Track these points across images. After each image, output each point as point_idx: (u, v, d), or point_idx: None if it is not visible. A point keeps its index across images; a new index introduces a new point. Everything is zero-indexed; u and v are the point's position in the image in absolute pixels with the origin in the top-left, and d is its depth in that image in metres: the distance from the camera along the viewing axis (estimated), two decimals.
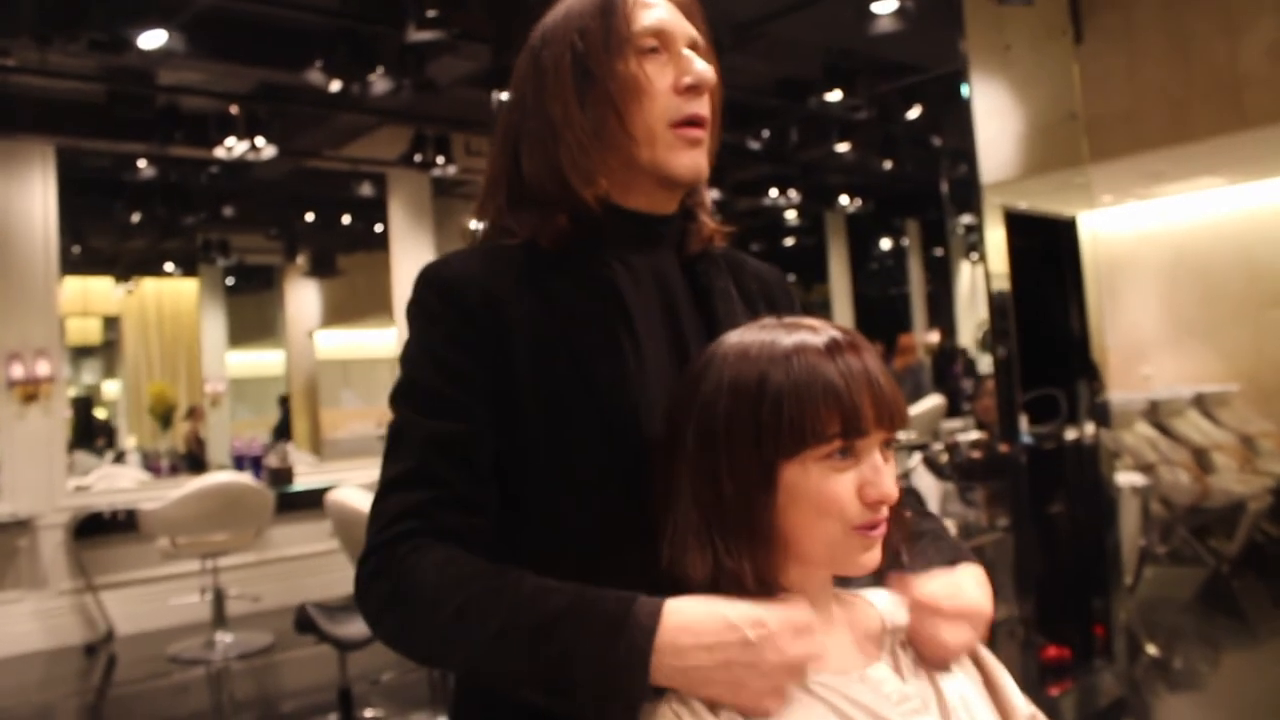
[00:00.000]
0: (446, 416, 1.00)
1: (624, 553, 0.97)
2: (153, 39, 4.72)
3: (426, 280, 1.06)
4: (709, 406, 0.93)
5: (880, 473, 0.92)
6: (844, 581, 1.03)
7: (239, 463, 6.65)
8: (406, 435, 1.02)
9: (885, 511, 0.93)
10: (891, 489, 0.92)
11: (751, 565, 0.91)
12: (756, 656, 0.86)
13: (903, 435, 6.10)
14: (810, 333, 0.94)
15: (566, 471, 1.01)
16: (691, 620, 0.88)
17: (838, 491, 0.90)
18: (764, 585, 0.92)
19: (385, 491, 1.01)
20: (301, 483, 6.56)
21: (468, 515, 0.99)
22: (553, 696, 0.90)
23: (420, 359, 1.04)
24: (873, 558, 0.94)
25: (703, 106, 1.07)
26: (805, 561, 0.94)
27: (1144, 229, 8.13)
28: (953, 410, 7.79)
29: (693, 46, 1.09)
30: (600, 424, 1.01)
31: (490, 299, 1.03)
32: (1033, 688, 3.44)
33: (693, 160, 1.07)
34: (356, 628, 3.55)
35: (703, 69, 1.07)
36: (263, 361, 8.90)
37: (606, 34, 1.05)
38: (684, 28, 1.09)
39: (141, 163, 6.59)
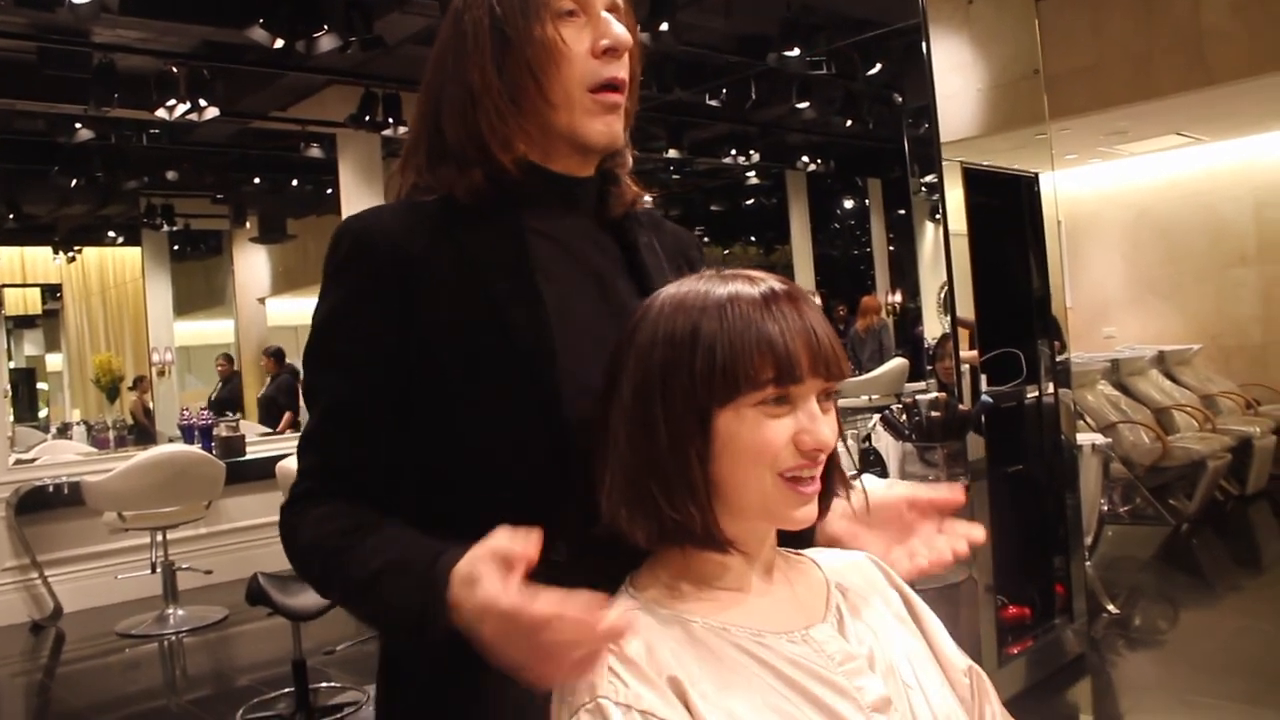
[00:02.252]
0: (347, 378, 1.04)
1: (549, 497, 0.99)
2: None
3: (338, 236, 1.07)
4: (644, 357, 0.93)
5: (817, 420, 0.92)
6: (796, 542, 1.05)
7: (188, 433, 6.52)
8: (312, 396, 1.06)
9: (821, 460, 0.93)
10: (829, 437, 0.92)
11: (697, 515, 0.91)
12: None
13: (865, 397, 6.10)
14: (746, 283, 0.94)
15: (487, 417, 1.02)
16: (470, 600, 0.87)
17: (771, 437, 0.90)
18: (710, 537, 0.92)
19: (298, 450, 1.07)
20: (253, 452, 6.44)
21: (357, 475, 1.03)
22: (394, 636, 1.05)
23: (327, 318, 1.06)
24: (809, 512, 0.94)
25: (621, 69, 1.08)
26: (741, 513, 0.93)
27: (1106, 187, 8.14)
28: (916, 372, 7.78)
29: (611, 9, 1.09)
30: (517, 368, 1.02)
31: (402, 252, 1.03)
32: (993, 646, 3.43)
33: (608, 126, 1.08)
34: (309, 598, 3.48)
35: (620, 32, 1.07)
36: (212, 330, 8.77)
37: None
38: None
39: (78, 125, 6.37)
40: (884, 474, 3.56)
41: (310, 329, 1.07)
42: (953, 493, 1.10)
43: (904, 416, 3.50)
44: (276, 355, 8.29)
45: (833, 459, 0.97)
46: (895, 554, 1.09)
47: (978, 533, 1.08)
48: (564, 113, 1.07)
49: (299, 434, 1.11)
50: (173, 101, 5.78)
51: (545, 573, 0.94)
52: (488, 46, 1.06)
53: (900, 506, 1.10)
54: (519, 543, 0.85)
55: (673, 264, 1.18)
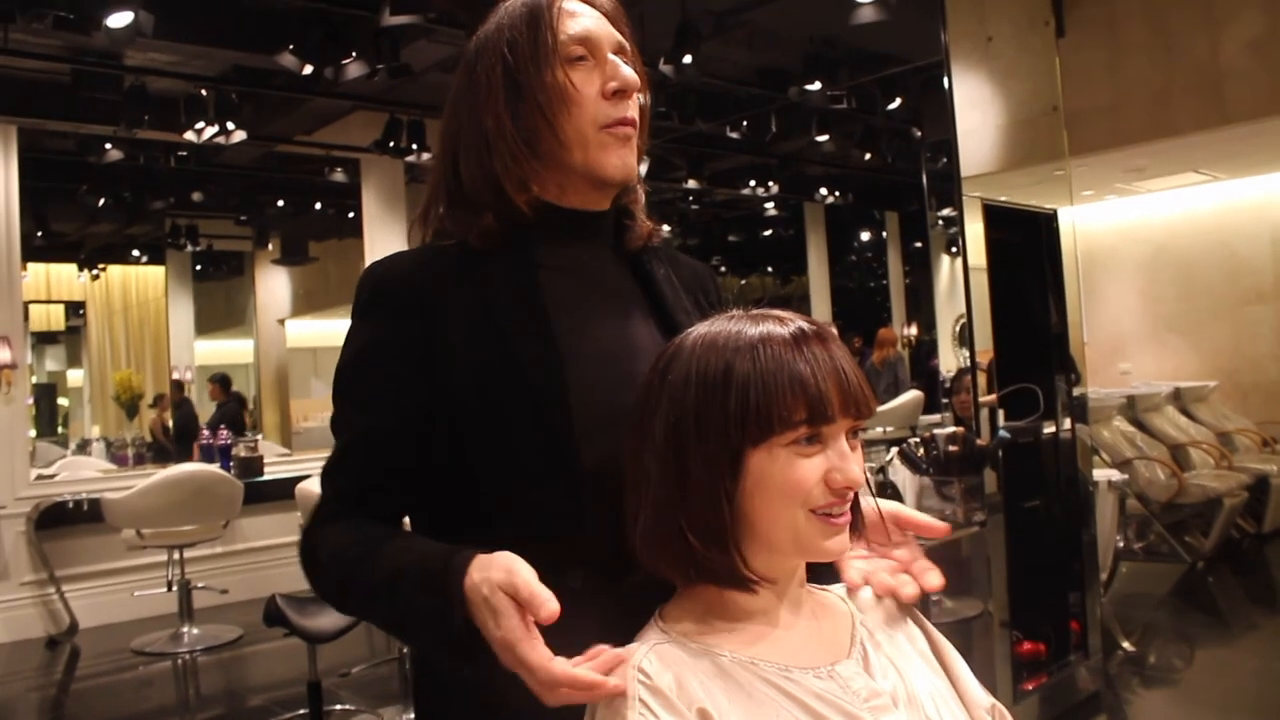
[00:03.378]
0: (368, 416, 1.08)
1: (564, 527, 1.02)
2: (120, 18, 4.61)
3: (363, 281, 1.11)
4: (677, 397, 0.95)
5: (847, 459, 0.93)
6: (821, 578, 1.06)
7: (207, 453, 6.55)
8: (336, 430, 1.11)
9: (850, 497, 0.95)
10: (858, 475, 0.94)
11: (724, 555, 0.93)
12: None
13: (880, 429, 6.10)
14: (777, 324, 0.95)
15: (502, 451, 1.05)
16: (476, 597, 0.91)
17: (803, 476, 0.92)
18: (737, 577, 0.94)
19: (321, 479, 1.11)
20: (271, 473, 6.47)
21: (376, 500, 1.07)
22: (414, 637, 1.05)
23: (352, 358, 1.10)
24: (840, 543, 0.95)
25: (630, 109, 1.12)
26: (772, 549, 0.95)
27: (1124, 224, 8.15)
28: (931, 405, 7.77)
29: (619, 51, 1.13)
30: (530, 403, 1.04)
31: (421, 298, 1.07)
32: (1008, 682, 3.42)
33: (622, 159, 1.11)
34: (326, 620, 3.48)
35: (628, 74, 1.11)
36: (232, 349, 8.81)
37: (534, 46, 1.10)
38: (609, 34, 1.13)
39: (107, 145, 6.46)
40: None
41: (336, 368, 1.12)
42: (938, 525, 1.12)
43: (921, 450, 3.51)
44: (222, 382, 8.10)
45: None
46: (858, 564, 1.09)
47: (936, 581, 1.08)
48: (578, 151, 1.10)
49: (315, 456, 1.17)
50: (201, 124, 5.86)
51: (561, 599, 0.96)
52: (501, 93, 1.10)
53: (889, 518, 1.11)
54: (541, 599, 0.88)
55: (690, 297, 1.21)
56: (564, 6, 1.12)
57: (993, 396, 3.47)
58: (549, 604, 0.87)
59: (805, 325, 0.96)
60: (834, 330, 0.98)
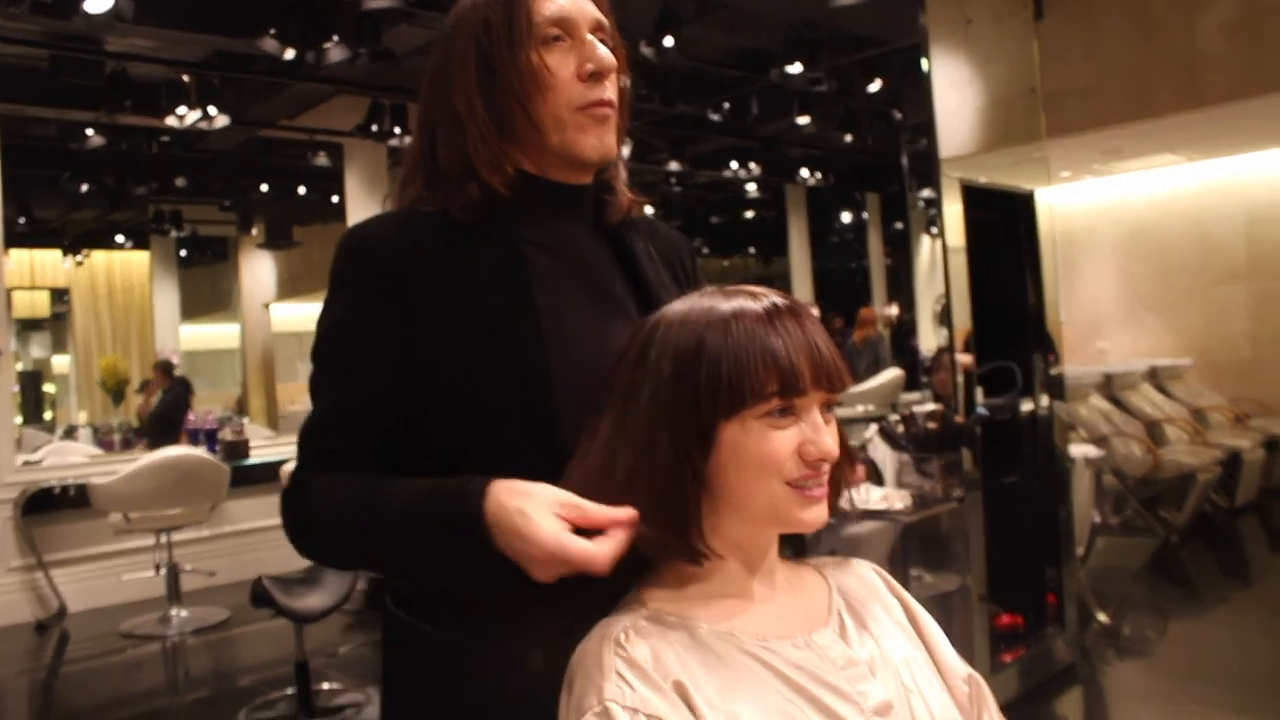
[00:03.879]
0: (346, 380, 1.07)
1: None
2: (99, 3, 4.58)
3: (343, 244, 1.10)
4: (651, 372, 0.95)
5: (820, 431, 0.94)
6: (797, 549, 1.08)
7: (194, 436, 6.56)
8: (315, 394, 1.10)
9: (825, 469, 0.95)
10: (831, 447, 0.94)
11: (685, 530, 0.93)
12: (529, 565, 0.92)
13: (861, 407, 6.18)
14: (750, 299, 0.96)
15: (481, 423, 1.05)
16: (501, 514, 0.93)
17: (776, 448, 0.92)
18: (696, 552, 0.95)
19: (299, 441, 1.11)
20: (257, 456, 6.49)
21: (355, 464, 1.06)
22: (421, 569, 1.05)
23: (331, 324, 1.10)
24: (817, 514, 0.96)
25: (607, 91, 1.10)
26: (748, 520, 0.96)
27: (1101, 204, 8.22)
28: (912, 383, 7.84)
29: (597, 30, 1.11)
30: (511, 378, 1.04)
31: (402, 262, 1.06)
32: (985, 654, 3.48)
33: (599, 139, 1.10)
34: (313, 600, 3.52)
35: (604, 55, 1.09)
36: (217, 334, 8.79)
37: (509, 27, 1.08)
38: (587, 12, 1.11)
39: (89, 131, 6.43)
40: (881, 483, 3.62)
41: (316, 331, 1.11)
42: None
43: (901, 428, 3.57)
44: (165, 368, 7.78)
45: (838, 463, 0.99)
46: None
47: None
48: (554, 134, 1.09)
49: None
50: (183, 109, 5.83)
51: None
52: (473, 76, 1.09)
53: None
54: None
55: (669, 270, 1.22)
56: None
57: (969, 358, 3.51)
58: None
59: (778, 300, 0.96)
60: (808, 306, 0.99)
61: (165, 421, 7.41)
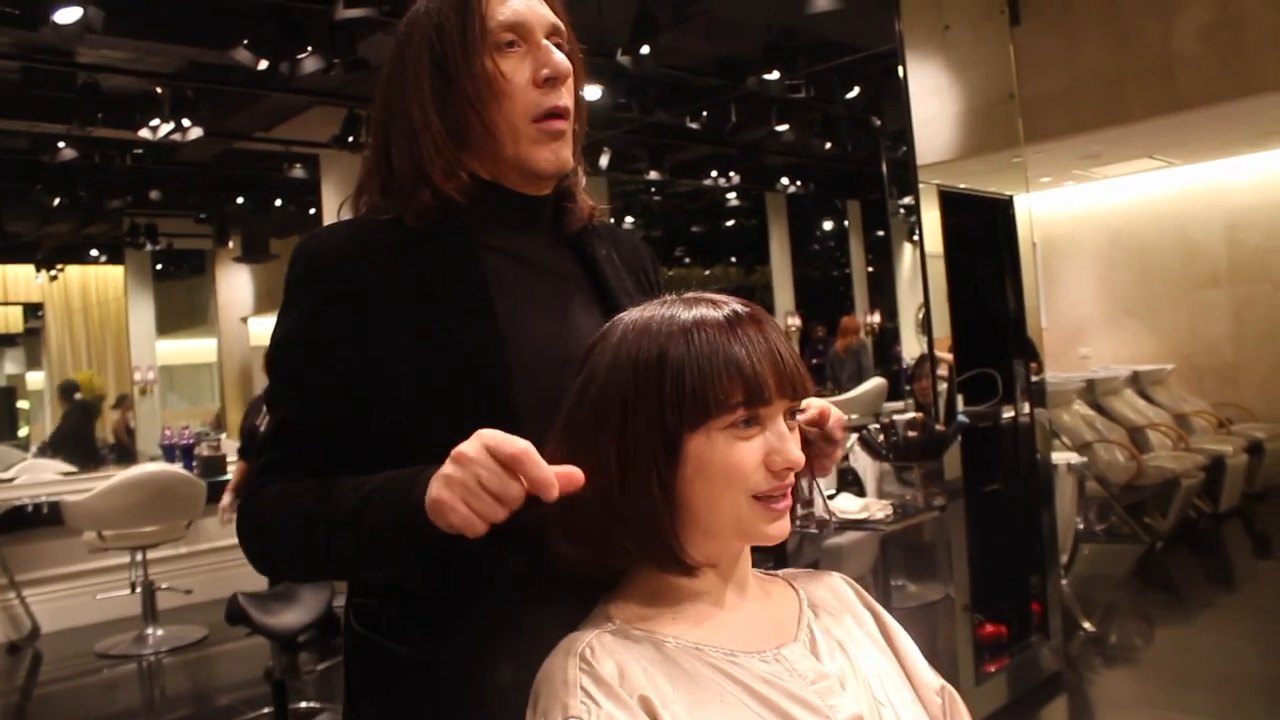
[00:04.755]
0: (302, 392, 1.06)
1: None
2: (69, 14, 4.53)
3: (295, 254, 1.08)
4: (610, 382, 0.94)
5: (785, 440, 0.93)
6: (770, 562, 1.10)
7: (169, 452, 6.50)
8: (272, 405, 1.09)
9: (791, 479, 0.94)
10: (798, 456, 0.93)
11: (661, 540, 0.92)
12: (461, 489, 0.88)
13: (846, 417, 6.19)
14: (710, 307, 0.95)
15: (440, 431, 0.99)
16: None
17: (742, 459, 0.91)
18: (677, 561, 0.93)
19: (258, 451, 1.09)
20: (234, 471, 6.40)
21: (313, 467, 1.04)
22: (376, 565, 1.00)
23: (285, 336, 1.08)
24: (781, 528, 0.95)
25: (563, 98, 1.08)
26: (714, 534, 0.94)
27: (1081, 210, 8.25)
28: (895, 392, 7.83)
29: (553, 33, 1.09)
30: (470, 385, 1.02)
31: (356, 270, 1.04)
32: (970, 664, 3.46)
33: (554, 153, 1.09)
34: (290, 617, 3.47)
35: (560, 60, 1.07)
36: (194, 349, 8.73)
37: (463, 32, 1.06)
38: (542, 16, 1.09)
39: (61, 144, 6.36)
40: (862, 493, 3.59)
41: (270, 342, 1.10)
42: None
43: (881, 436, 3.54)
44: (65, 390, 7.50)
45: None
46: None
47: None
48: (509, 143, 1.07)
49: None
50: (156, 121, 5.79)
51: (502, 583, 0.99)
52: (427, 82, 1.07)
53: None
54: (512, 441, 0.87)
55: (632, 276, 1.20)
56: None
57: (948, 357, 3.49)
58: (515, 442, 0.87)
59: (739, 308, 0.95)
60: (767, 312, 0.98)
61: (72, 441, 7.20)
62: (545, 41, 1.08)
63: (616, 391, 0.93)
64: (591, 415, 0.94)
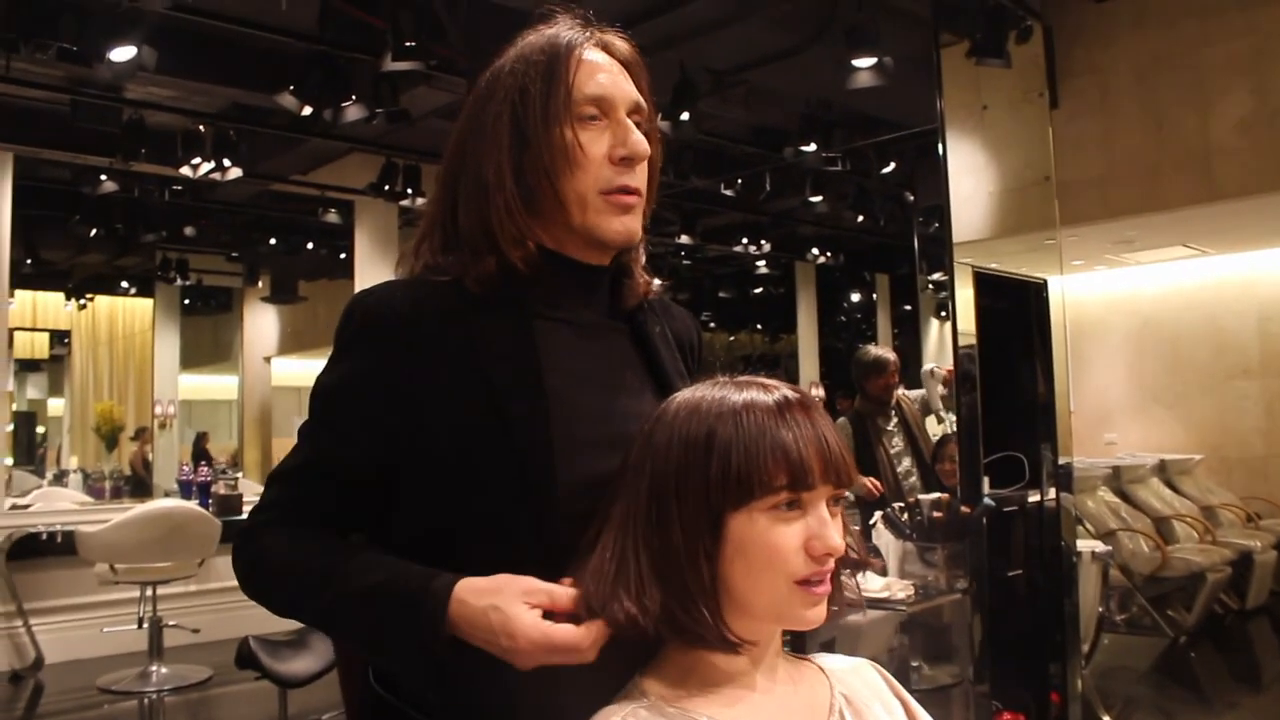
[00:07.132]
0: (337, 442, 1.05)
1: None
2: (124, 52, 4.62)
3: (350, 309, 1.09)
4: (661, 460, 0.95)
5: (827, 526, 0.94)
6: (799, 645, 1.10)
7: (186, 489, 6.48)
8: (303, 439, 1.09)
9: (830, 564, 0.95)
10: (838, 543, 0.94)
11: (707, 616, 0.93)
12: (512, 657, 0.92)
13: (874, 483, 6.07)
14: (761, 391, 0.97)
15: (478, 501, 1.02)
16: (471, 614, 0.93)
17: (783, 542, 0.92)
18: (720, 638, 0.93)
19: (270, 480, 1.09)
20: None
21: (322, 519, 1.05)
22: (375, 654, 1.05)
23: (332, 387, 1.08)
24: (818, 613, 0.96)
25: (636, 178, 1.08)
26: (751, 615, 0.95)
27: (1112, 295, 8.20)
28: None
29: (635, 111, 1.09)
30: (512, 461, 1.01)
31: (410, 333, 1.04)
32: None
33: (624, 225, 1.08)
34: (300, 664, 3.42)
35: (638, 140, 1.07)
36: (216, 385, 8.76)
37: (546, 100, 1.06)
38: (626, 93, 1.09)
39: (103, 177, 6.45)
40: (884, 571, 3.54)
41: (314, 386, 1.09)
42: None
43: (905, 515, 3.49)
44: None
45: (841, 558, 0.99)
46: None
47: None
48: (577, 212, 1.07)
49: None
50: (198, 160, 5.86)
51: None
52: (506, 144, 1.06)
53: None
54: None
55: (680, 352, 1.21)
56: (585, 57, 1.07)
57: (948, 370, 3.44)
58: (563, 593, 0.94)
59: (789, 393, 0.97)
60: (818, 399, 1.00)
61: None
62: (626, 119, 1.08)
63: (667, 468, 0.95)
64: (645, 490, 0.96)
